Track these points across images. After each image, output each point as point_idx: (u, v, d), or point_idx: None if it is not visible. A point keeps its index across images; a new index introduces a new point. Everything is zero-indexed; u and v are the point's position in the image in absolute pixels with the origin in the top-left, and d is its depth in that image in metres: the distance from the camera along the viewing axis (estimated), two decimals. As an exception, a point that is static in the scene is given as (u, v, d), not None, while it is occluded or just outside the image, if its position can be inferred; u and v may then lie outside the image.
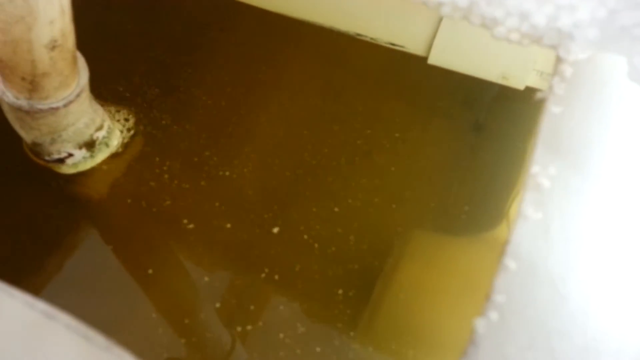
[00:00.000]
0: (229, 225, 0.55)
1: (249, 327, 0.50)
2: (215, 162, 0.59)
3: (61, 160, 0.53)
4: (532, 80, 0.63)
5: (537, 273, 0.25)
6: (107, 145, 0.55)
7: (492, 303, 0.24)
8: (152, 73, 0.63)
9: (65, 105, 0.46)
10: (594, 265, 0.26)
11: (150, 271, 0.52)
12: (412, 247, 0.58)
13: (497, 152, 0.66)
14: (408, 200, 0.59)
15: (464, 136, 0.65)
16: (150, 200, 0.55)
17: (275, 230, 0.54)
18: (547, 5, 0.32)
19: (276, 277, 0.52)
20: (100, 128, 0.53)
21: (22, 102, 0.45)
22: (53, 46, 0.41)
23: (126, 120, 0.58)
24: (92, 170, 0.55)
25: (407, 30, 0.66)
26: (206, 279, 0.53)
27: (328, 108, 0.65)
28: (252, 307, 0.51)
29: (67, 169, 0.54)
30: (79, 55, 0.47)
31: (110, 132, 0.55)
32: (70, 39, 0.42)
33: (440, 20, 0.64)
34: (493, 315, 0.24)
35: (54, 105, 0.46)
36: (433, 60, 0.66)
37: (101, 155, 0.55)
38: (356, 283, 0.54)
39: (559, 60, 0.32)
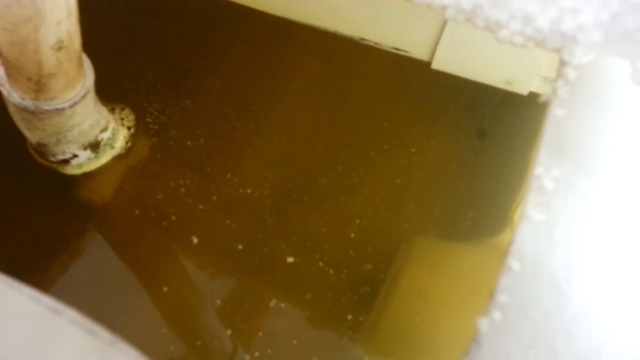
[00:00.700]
0: (240, 247, 0.55)
1: (256, 354, 0.50)
2: (222, 173, 0.59)
3: (66, 161, 0.53)
4: (536, 86, 0.63)
5: (541, 274, 0.25)
6: (111, 146, 0.55)
7: (496, 303, 0.24)
8: (159, 77, 0.64)
9: (70, 106, 0.47)
10: (598, 266, 0.26)
11: (160, 285, 0.52)
12: (416, 253, 0.58)
13: (501, 157, 0.66)
14: (412, 207, 0.59)
15: (468, 141, 0.65)
16: (156, 206, 0.55)
17: (290, 260, 0.54)
18: (550, 8, 0.32)
19: (282, 305, 0.52)
20: (105, 129, 0.54)
21: (28, 103, 0.45)
22: (59, 47, 0.41)
23: (130, 122, 0.58)
24: (97, 171, 0.55)
25: (411, 34, 0.66)
26: (213, 297, 0.53)
27: (333, 115, 0.65)
28: (260, 334, 0.51)
29: (71, 169, 0.54)
30: (84, 57, 0.48)
31: (114, 133, 0.55)
32: (76, 40, 0.43)
33: (444, 25, 0.64)
34: (496, 314, 0.24)
35: (59, 106, 0.46)
36: (437, 65, 0.66)
37: (105, 157, 0.55)
38: (360, 284, 0.54)
39: (562, 63, 0.33)
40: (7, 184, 0.55)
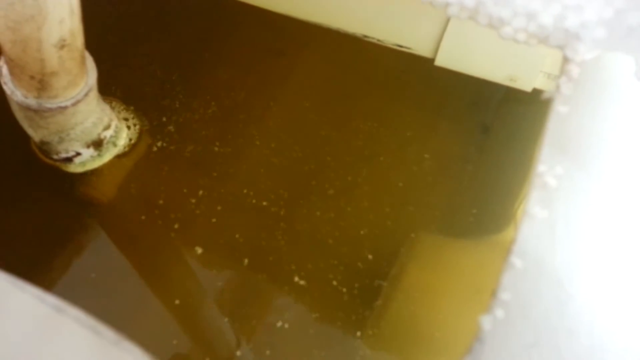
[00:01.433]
0: (246, 261, 0.55)
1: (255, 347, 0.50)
2: (226, 176, 0.59)
3: (69, 159, 0.53)
4: (539, 82, 0.63)
5: (544, 271, 0.25)
6: (114, 144, 0.56)
7: (498, 300, 0.24)
8: (164, 77, 0.64)
9: (73, 105, 0.47)
10: (601, 264, 0.26)
11: (166, 290, 0.53)
12: (419, 250, 0.58)
13: (505, 154, 0.66)
14: (415, 204, 0.59)
15: (471, 138, 0.65)
16: (159, 209, 0.56)
17: (301, 282, 0.54)
18: (554, 5, 0.32)
19: (286, 325, 0.52)
20: (107, 127, 0.54)
21: (31, 101, 0.45)
22: (62, 45, 0.41)
23: (134, 121, 0.59)
24: (100, 170, 0.55)
25: (414, 31, 0.66)
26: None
27: (336, 113, 0.65)
28: (262, 328, 0.51)
29: (74, 167, 0.54)
30: (87, 55, 0.48)
31: (117, 131, 0.55)
32: (79, 39, 0.43)
33: (447, 21, 0.64)
34: (499, 312, 0.24)
35: (62, 104, 0.46)
36: (440, 61, 0.66)
37: (109, 155, 0.56)
38: (363, 280, 0.55)
39: (565, 60, 0.33)
40: (11, 182, 0.55)
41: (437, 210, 0.60)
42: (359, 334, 0.51)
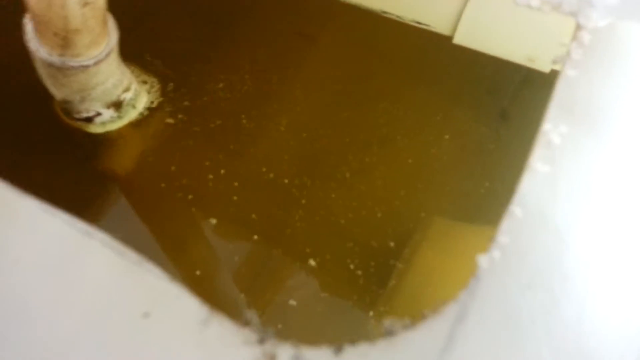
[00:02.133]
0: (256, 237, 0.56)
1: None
2: (244, 150, 0.60)
3: (90, 119, 0.56)
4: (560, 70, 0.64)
5: (542, 221, 0.27)
6: (133, 106, 0.58)
7: (496, 243, 0.26)
8: (183, 44, 0.66)
9: (95, 64, 0.49)
10: (600, 218, 0.28)
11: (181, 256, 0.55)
12: (432, 233, 0.59)
13: (522, 139, 0.67)
14: (430, 187, 0.61)
15: (489, 122, 0.66)
16: (174, 179, 0.57)
17: (314, 261, 0.55)
18: (568, -28, 0.34)
19: (297, 303, 0.53)
20: (127, 90, 0.56)
21: (55, 59, 0.48)
22: (85, 3, 0.44)
23: (153, 87, 0.61)
24: (119, 131, 0.58)
25: (433, 8, 0.67)
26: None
27: (352, 91, 0.66)
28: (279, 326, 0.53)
29: (95, 128, 0.57)
30: (109, 17, 0.50)
31: (136, 94, 0.58)
32: None
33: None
34: (496, 254, 0.26)
35: (84, 63, 0.49)
36: (458, 39, 0.67)
37: (128, 117, 0.58)
38: (376, 260, 0.56)
39: (578, 27, 0.34)
40: (32, 141, 0.58)
41: (452, 193, 0.61)
42: (371, 313, 0.53)
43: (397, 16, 0.69)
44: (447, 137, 0.64)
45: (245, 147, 0.61)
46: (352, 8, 0.69)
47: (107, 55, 0.51)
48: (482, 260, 0.26)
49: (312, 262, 0.55)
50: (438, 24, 0.69)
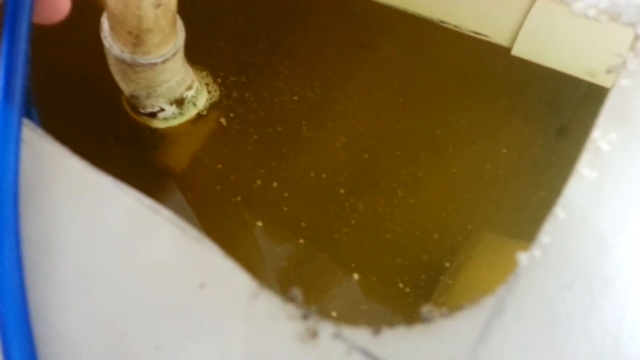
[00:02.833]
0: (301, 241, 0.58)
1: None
2: (296, 156, 0.63)
3: (153, 114, 0.60)
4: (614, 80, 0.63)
5: (586, 225, 0.28)
6: (194, 104, 0.62)
7: (538, 243, 0.27)
8: (243, 51, 0.69)
9: (162, 62, 0.53)
10: (646, 227, 0.29)
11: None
12: (480, 249, 0.59)
13: (577, 157, 0.66)
14: (480, 201, 0.61)
15: (545, 137, 0.65)
16: (227, 177, 0.60)
17: (360, 274, 0.56)
18: (627, -17, 0.35)
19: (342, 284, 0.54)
20: (189, 88, 0.60)
21: (126, 56, 0.52)
22: (158, 4, 0.48)
23: (213, 87, 0.65)
24: (180, 127, 0.62)
25: (493, 19, 0.67)
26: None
27: (407, 100, 0.67)
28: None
29: (158, 123, 0.61)
30: (178, 18, 0.54)
31: (198, 93, 0.62)
32: (173, 0, 0.49)
33: (528, 9, 0.65)
34: (537, 253, 0.27)
35: (152, 61, 0.53)
36: (517, 51, 0.67)
37: (188, 114, 0.62)
38: (421, 274, 0.56)
39: (636, 37, 0.35)
40: (100, 131, 0.63)
41: (502, 210, 0.61)
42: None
43: (455, 26, 0.70)
44: (503, 150, 0.64)
45: (297, 155, 0.64)
46: (410, 17, 0.71)
47: (174, 54, 0.55)
48: (523, 258, 0.27)
49: (355, 276, 0.56)
50: (497, 34, 0.69)
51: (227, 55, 0.71)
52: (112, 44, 0.53)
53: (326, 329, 0.26)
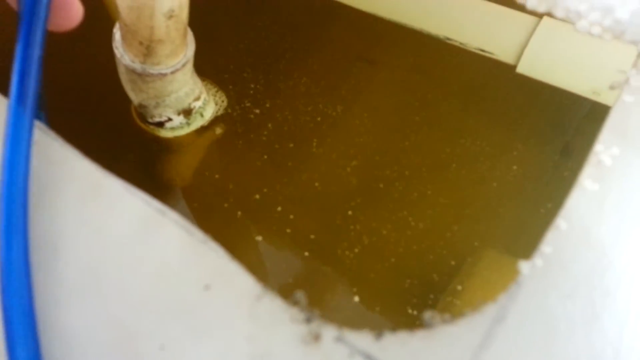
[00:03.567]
0: (306, 253, 0.58)
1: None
2: (298, 172, 0.63)
3: (161, 124, 0.61)
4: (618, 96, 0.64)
5: (587, 236, 0.29)
6: (201, 115, 0.63)
7: (539, 252, 0.28)
8: (250, 67, 0.70)
9: (172, 73, 0.55)
10: (646, 239, 0.29)
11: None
12: (482, 266, 0.60)
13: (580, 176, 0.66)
14: (483, 219, 0.61)
15: (549, 155, 0.65)
16: (229, 189, 0.61)
17: (360, 296, 0.56)
18: (631, 0, 0.36)
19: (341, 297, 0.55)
20: (197, 99, 0.61)
21: (137, 65, 0.53)
22: (170, 15, 0.49)
23: (221, 99, 0.66)
24: (186, 137, 0.63)
25: (499, 36, 0.69)
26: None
27: (412, 116, 0.68)
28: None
29: (165, 132, 0.62)
30: (188, 30, 0.55)
31: (205, 103, 0.63)
32: (185, 11, 0.50)
33: (534, 28, 0.66)
34: (538, 262, 0.28)
35: (162, 71, 0.54)
36: (522, 69, 0.68)
37: (195, 124, 0.63)
38: (424, 291, 0.57)
39: (639, 55, 0.36)
40: (109, 139, 0.64)
41: (505, 227, 0.61)
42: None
43: (461, 43, 0.71)
44: (507, 168, 0.65)
45: (301, 170, 0.64)
46: (416, 33, 0.72)
47: (184, 65, 0.56)
48: (524, 266, 0.27)
49: (359, 295, 0.56)
50: (502, 52, 0.70)
51: (235, 69, 0.72)
52: (124, 54, 0.55)
53: (329, 332, 0.26)
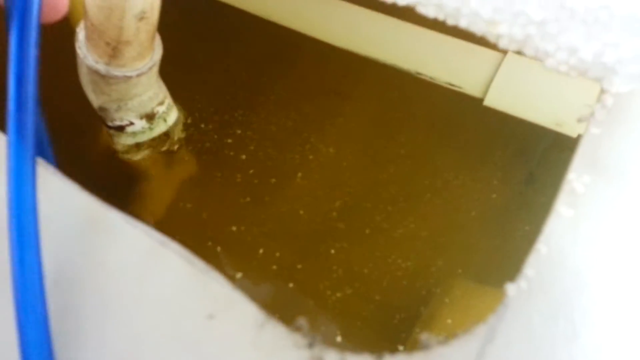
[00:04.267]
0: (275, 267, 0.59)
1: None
2: (268, 199, 0.64)
3: (121, 128, 0.60)
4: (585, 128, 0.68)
5: (564, 260, 0.31)
6: (165, 120, 0.62)
7: (523, 275, 0.30)
8: (217, 91, 0.71)
9: (137, 76, 0.53)
10: (618, 263, 0.32)
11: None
12: (453, 295, 0.62)
13: (547, 200, 0.70)
14: (453, 249, 0.63)
15: (514, 185, 0.68)
16: (200, 218, 0.61)
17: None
18: (594, 42, 0.39)
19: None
20: (161, 103, 0.60)
21: (100, 66, 0.51)
22: (141, 17, 0.47)
23: (185, 118, 0.66)
24: (148, 143, 0.62)
25: (467, 70, 0.72)
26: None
27: (380, 149, 0.70)
28: None
29: (126, 137, 0.61)
30: (157, 34, 0.54)
31: (169, 109, 0.62)
32: (156, 14, 0.49)
33: (500, 62, 0.70)
34: (523, 284, 0.30)
35: (127, 74, 0.53)
36: (489, 102, 0.71)
37: (158, 130, 0.62)
38: (395, 320, 0.58)
39: (602, 91, 0.39)
40: (66, 143, 0.62)
41: (474, 256, 0.63)
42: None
43: (431, 77, 0.74)
44: (470, 201, 0.67)
45: (271, 200, 0.64)
46: (387, 68, 0.74)
47: (150, 69, 0.54)
48: (510, 288, 0.30)
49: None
50: (470, 85, 0.74)
51: (201, 100, 0.72)
52: (87, 54, 0.52)
53: (331, 356, 0.28)
